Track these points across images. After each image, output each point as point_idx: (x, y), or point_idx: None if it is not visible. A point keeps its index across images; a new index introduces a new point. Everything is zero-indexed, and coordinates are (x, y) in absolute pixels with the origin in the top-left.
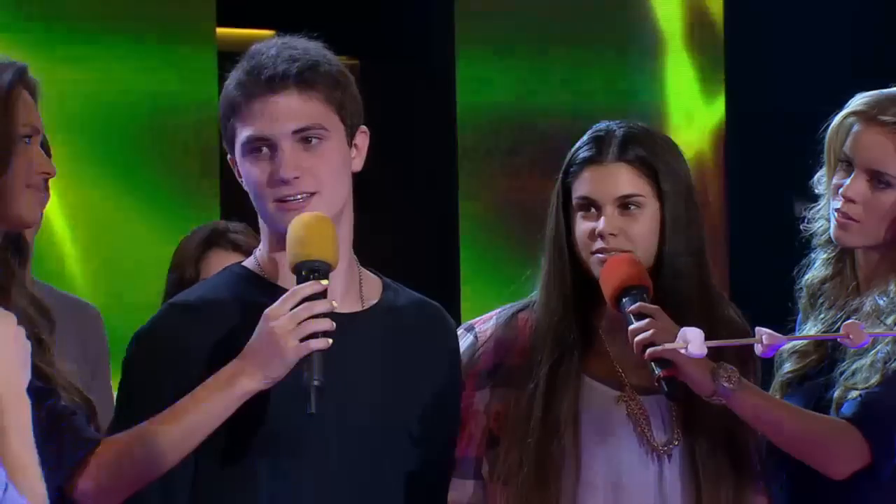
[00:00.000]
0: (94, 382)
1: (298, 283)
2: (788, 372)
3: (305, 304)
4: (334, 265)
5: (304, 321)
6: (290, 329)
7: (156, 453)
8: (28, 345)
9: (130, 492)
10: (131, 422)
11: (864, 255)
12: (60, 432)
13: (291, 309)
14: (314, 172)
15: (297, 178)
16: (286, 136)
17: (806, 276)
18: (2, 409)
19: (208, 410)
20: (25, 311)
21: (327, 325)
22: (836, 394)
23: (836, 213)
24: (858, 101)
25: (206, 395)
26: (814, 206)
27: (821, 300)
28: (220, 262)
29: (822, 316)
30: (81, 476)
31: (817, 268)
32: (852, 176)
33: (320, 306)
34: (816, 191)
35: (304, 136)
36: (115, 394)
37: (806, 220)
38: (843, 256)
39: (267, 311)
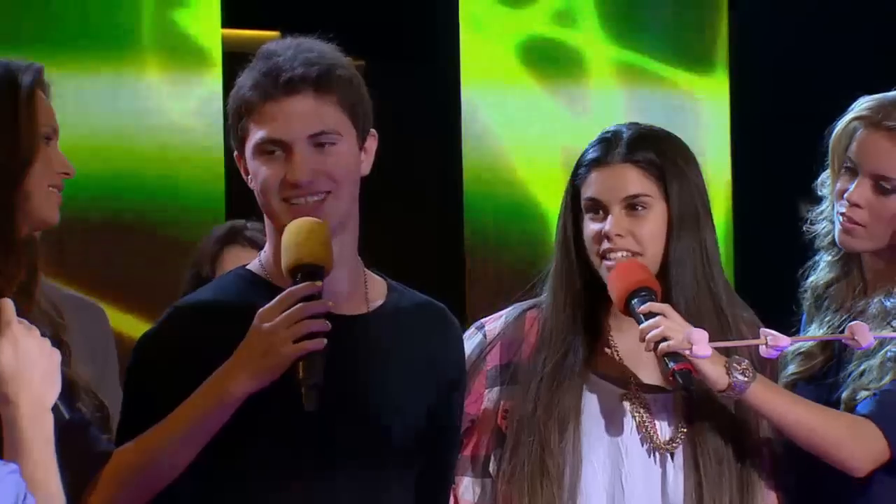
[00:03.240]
0: (103, 382)
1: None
2: (793, 374)
3: (300, 304)
4: (329, 268)
5: (298, 322)
6: (284, 330)
7: (161, 463)
8: (56, 356)
9: (141, 502)
10: (137, 426)
11: (870, 258)
12: (74, 448)
13: (286, 310)
14: (328, 173)
15: (310, 182)
16: (301, 139)
17: (810, 279)
18: (27, 423)
19: (206, 414)
20: (47, 312)
21: (322, 325)
22: (846, 394)
23: (841, 218)
24: (863, 105)
25: (203, 399)
26: (817, 209)
27: (826, 302)
28: (236, 259)
29: (827, 318)
30: (94, 492)
31: (822, 270)
32: (857, 181)
33: (315, 307)
34: (820, 193)
35: (319, 141)
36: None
37: (809, 223)
38: (849, 259)
39: (260, 311)
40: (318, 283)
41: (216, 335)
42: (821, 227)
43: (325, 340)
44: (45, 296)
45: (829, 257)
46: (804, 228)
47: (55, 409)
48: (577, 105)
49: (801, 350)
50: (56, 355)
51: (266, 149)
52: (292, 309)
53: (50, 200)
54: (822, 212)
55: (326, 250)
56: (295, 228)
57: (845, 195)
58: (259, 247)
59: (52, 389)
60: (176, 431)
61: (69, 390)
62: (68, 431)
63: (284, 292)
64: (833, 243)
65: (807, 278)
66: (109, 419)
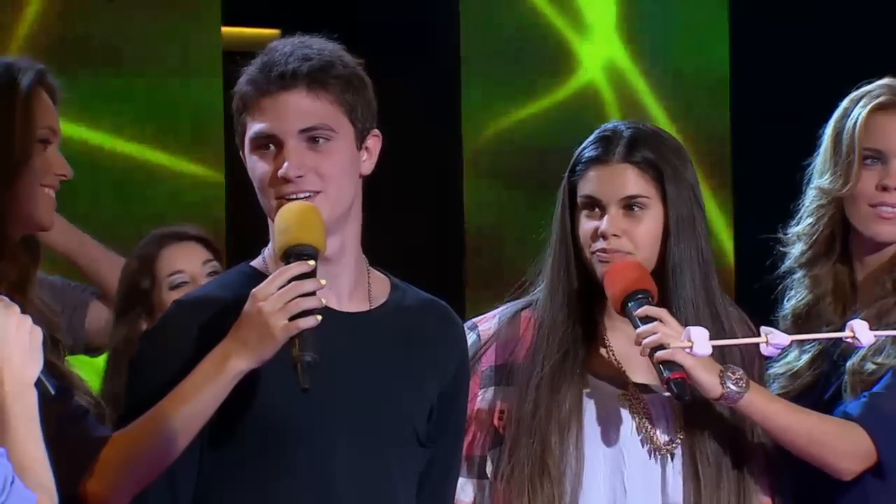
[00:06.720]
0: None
1: None
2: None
3: (293, 283)
4: (322, 250)
5: (292, 300)
6: (278, 309)
7: (158, 445)
8: (39, 333)
9: (140, 487)
10: (138, 417)
11: (863, 259)
12: (72, 435)
13: (279, 289)
14: (319, 172)
15: (300, 177)
16: (292, 134)
17: (789, 304)
18: (9, 401)
19: (202, 395)
20: (41, 310)
21: (315, 302)
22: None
23: (882, 209)
24: (874, 93)
25: (199, 380)
26: (792, 228)
27: (813, 322)
28: (175, 254)
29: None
30: (91, 478)
31: (800, 292)
32: (893, 166)
33: (308, 285)
34: (819, 188)
35: (311, 136)
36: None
37: (783, 244)
38: (836, 268)
39: (254, 290)
40: (311, 263)
41: (218, 329)
42: (796, 248)
43: (320, 317)
44: (40, 295)
45: (815, 271)
46: (776, 250)
47: (40, 384)
48: None
49: (784, 372)
50: (37, 332)
51: (260, 143)
52: (285, 287)
53: (43, 202)
54: (795, 231)
55: (318, 232)
56: (285, 213)
57: (884, 181)
58: (192, 237)
59: (32, 366)
60: (173, 414)
61: (65, 385)
62: (66, 419)
63: (277, 271)
64: (812, 259)
65: (783, 303)
66: (105, 417)
